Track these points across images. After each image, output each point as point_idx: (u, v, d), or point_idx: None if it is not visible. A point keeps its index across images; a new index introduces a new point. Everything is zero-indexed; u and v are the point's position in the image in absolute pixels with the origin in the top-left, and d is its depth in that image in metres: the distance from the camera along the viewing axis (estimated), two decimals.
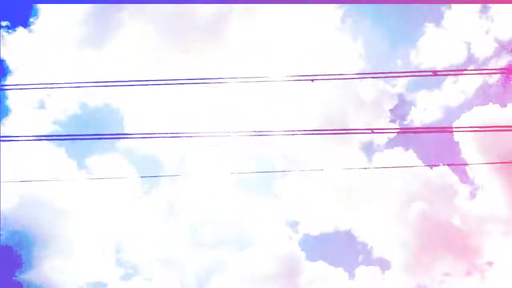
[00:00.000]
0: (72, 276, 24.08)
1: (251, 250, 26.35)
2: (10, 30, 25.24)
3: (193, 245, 26.49)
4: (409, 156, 25.51)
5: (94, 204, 25.60)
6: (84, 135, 9.55)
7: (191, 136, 10.32)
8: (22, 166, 23.37)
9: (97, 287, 24.44)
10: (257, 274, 25.46)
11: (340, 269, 25.48)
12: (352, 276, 25.33)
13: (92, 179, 26.92)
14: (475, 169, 25.79)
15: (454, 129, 12.87)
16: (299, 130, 10.29)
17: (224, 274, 25.78)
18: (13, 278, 22.61)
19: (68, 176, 25.16)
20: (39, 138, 8.87)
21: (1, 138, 8.61)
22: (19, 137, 8.75)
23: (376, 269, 25.16)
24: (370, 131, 11.83)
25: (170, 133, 10.61)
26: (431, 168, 25.85)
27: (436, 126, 26.13)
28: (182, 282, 25.60)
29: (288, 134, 10.50)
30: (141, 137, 10.29)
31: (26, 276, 22.98)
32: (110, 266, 25.09)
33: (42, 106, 26.22)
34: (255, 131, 9.99)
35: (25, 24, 25.49)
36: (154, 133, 10.46)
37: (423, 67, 25.66)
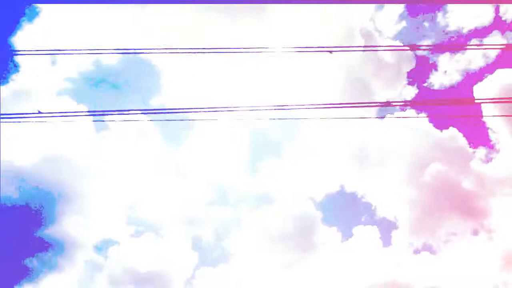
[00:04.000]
0: (89, 233, 24.53)
1: (267, 208, 26.57)
2: None
3: (210, 203, 26.76)
4: (421, 119, 25.12)
5: (112, 162, 25.71)
6: (90, 111, 9.31)
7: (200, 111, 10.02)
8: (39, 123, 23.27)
9: (111, 244, 24.89)
10: (273, 232, 25.76)
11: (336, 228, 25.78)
12: (348, 235, 25.59)
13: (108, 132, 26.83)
14: (494, 132, 25.33)
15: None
16: (317, 104, 10.11)
17: (241, 232, 26.16)
18: (34, 233, 23.08)
19: (86, 134, 25.19)
20: (40, 116, 8.63)
21: (2, 117, 8.42)
22: (21, 116, 8.55)
23: (374, 228, 25.33)
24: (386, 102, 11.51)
25: (178, 109, 10.30)
26: (441, 131, 25.55)
27: (456, 89, 25.58)
28: (198, 239, 26.02)
29: (307, 108, 10.32)
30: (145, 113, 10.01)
31: (46, 232, 23.41)
32: (127, 223, 25.50)
33: (53, 62, 25.86)
34: (275, 106, 9.79)
35: None
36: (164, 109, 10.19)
37: (450, 29, 25.00)
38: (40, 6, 24.33)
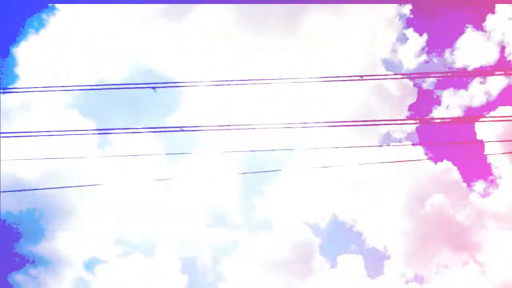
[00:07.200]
0: (79, 250, 24.19)
1: (265, 233, 26.38)
2: None
3: (208, 226, 26.49)
4: (417, 152, 25.38)
5: (107, 178, 25.34)
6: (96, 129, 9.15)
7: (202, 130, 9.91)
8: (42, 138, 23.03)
9: (98, 263, 24.49)
10: (270, 257, 25.60)
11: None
12: (341, 263, 25.41)
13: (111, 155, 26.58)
14: (494, 166, 25.46)
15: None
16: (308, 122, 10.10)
17: (237, 256, 25.89)
18: (22, 248, 22.71)
19: (89, 150, 24.91)
20: (41, 134, 8.45)
21: (1, 135, 8.23)
22: (20, 133, 8.35)
23: (359, 257, 25.18)
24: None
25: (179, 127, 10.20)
26: (435, 163, 25.54)
27: (458, 124, 25.69)
28: (191, 261, 25.71)
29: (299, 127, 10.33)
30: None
31: (35, 247, 23.05)
32: (116, 242, 25.13)
33: (54, 76, 25.60)
34: (275, 124, 9.73)
35: None
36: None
37: (456, 66, 25.40)
38: (47, 15, 24.38)
